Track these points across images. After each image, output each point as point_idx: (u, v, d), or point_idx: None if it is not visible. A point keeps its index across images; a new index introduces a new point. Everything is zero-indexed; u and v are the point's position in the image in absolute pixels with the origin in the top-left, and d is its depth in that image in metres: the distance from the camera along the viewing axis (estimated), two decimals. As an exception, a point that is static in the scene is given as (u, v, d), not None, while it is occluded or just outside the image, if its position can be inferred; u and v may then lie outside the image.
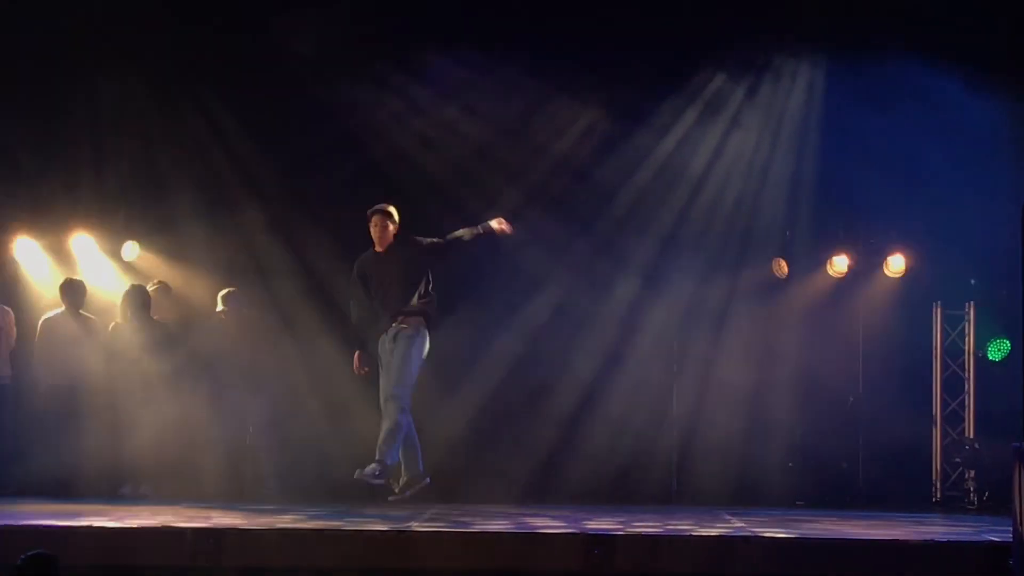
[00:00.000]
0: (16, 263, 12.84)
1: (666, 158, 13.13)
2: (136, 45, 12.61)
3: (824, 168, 12.86)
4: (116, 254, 13.00)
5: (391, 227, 10.28)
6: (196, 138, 12.95)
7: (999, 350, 13.11)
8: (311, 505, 10.66)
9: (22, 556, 6.53)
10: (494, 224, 10.38)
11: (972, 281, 13.00)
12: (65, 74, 12.65)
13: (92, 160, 12.80)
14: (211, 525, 8.61)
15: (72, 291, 12.28)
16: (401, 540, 8.24)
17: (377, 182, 12.48)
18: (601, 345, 12.89)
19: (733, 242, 13.05)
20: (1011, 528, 7.72)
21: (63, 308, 12.25)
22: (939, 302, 13.32)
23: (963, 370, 13.30)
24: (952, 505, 12.67)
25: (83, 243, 12.94)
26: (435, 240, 10.34)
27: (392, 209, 10.34)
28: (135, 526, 8.56)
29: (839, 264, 13.19)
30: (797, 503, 12.50)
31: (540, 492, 12.17)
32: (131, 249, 12.99)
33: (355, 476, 9.88)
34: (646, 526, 9.27)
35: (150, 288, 12.44)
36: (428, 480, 10.19)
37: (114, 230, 13.00)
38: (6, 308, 12.38)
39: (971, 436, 13.06)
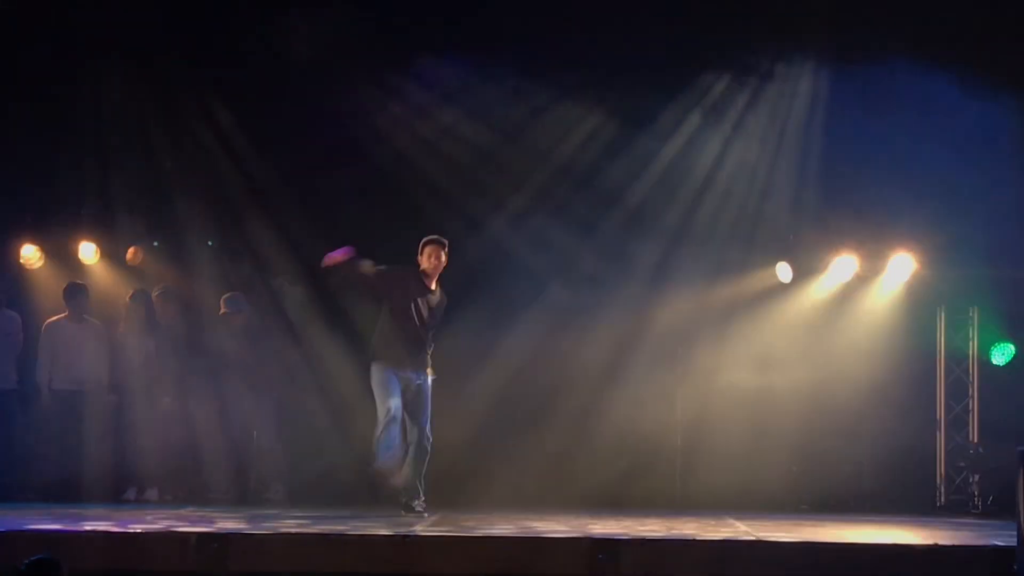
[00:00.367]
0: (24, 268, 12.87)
1: (670, 162, 13.14)
2: (141, 51, 12.62)
3: (828, 172, 12.86)
4: (121, 259, 13.01)
5: (444, 262, 10.16)
6: (200, 143, 12.97)
7: (1003, 354, 13.11)
8: (315, 509, 10.65)
9: (26, 561, 6.52)
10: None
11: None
12: (70, 81, 12.65)
13: (97, 166, 12.80)
14: (215, 530, 8.59)
15: (74, 295, 12.28)
16: (406, 545, 8.22)
17: (381, 186, 12.50)
18: (605, 349, 12.89)
19: (737, 246, 13.05)
20: (1016, 532, 7.70)
21: (66, 312, 12.26)
22: (943, 306, 13.32)
23: (967, 374, 13.29)
24: (957, 509, 12.66)
25: (88, 249, 12.95)
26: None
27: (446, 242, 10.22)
28: (139, 531, 8.55)
29: (843, 268, 13.18)
30: (802, 507, 12.50)
31: (545, 497, 12.16)
32: (135, 254, 13.00)
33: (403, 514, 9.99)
34: (651, 531, 9.26)
35: (154, 293, 12.45)
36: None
37: (119, 236, 13.01)
38: (13, 314, 12.38)
39: (975, 440, 13.06)
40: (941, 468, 13.17)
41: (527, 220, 12.94)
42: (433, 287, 10.19)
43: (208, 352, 12.33)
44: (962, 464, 12.97)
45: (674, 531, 9.29)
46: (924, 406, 13.16)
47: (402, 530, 8.68)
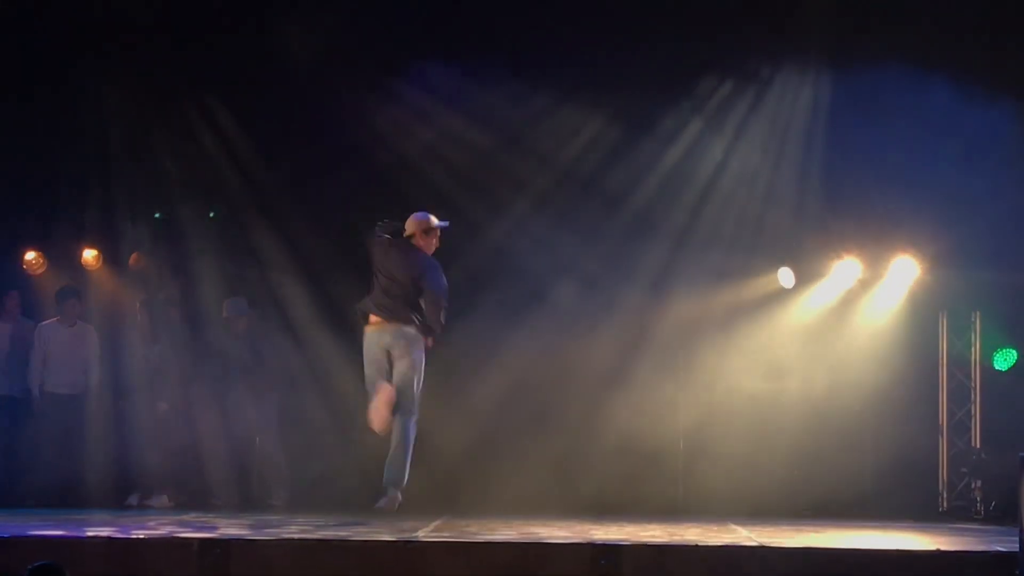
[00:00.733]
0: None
1: (672, 168, 13.14)
2: (142, 57, 12.64)
3: (830, 178, 12.86)
4: (123, 265, 13.03)
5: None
6: (203, 149, 12.99)
7: (1005, 360, 13.10)
8: (318, 515, 10.66)
9: (29, 567, 6.53)
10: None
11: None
12: (72, 87, 12.68)
13: (99, 173, 12.83)
14: (218, 535, 8.60)
15: (66, 298, 12.29)
16: (408, 551, 8.23)
17: (383, 190, 12.51)
18: (607, 355, 12.89)
19: (739, 252, 13.05)
20: (1018, 538, 7.70)
21: (58, 317, 12.27)
22: (945, 311, 13.31)
23: (969, 380, 13.28)
24: (959, 515, 12.64)
25: (91, 254, 12.97)
26: None
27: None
28: (142, 537, 8.55)
29: (845, 273, 13.18)
30: (804, 513, 12.48)
31: (547, 502, 12.16)
32: (137, 260, 13.00)
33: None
34: (653, 536, 9.26)
35: (157, 298, 12.48)
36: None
37: (121, 241, 13.03)
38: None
39: (977, 446, 13.05)
40: (943, 473, 13.16)
41: (529, 225, 12.95)
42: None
43: (210, 356, 12.34)
44: (964, 470, 12.96)
45: (676, 537, 9.29)
46: (926, 411, 13.14)
47: (404, 536, 8.69)
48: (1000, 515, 11.88)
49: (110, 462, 12.00)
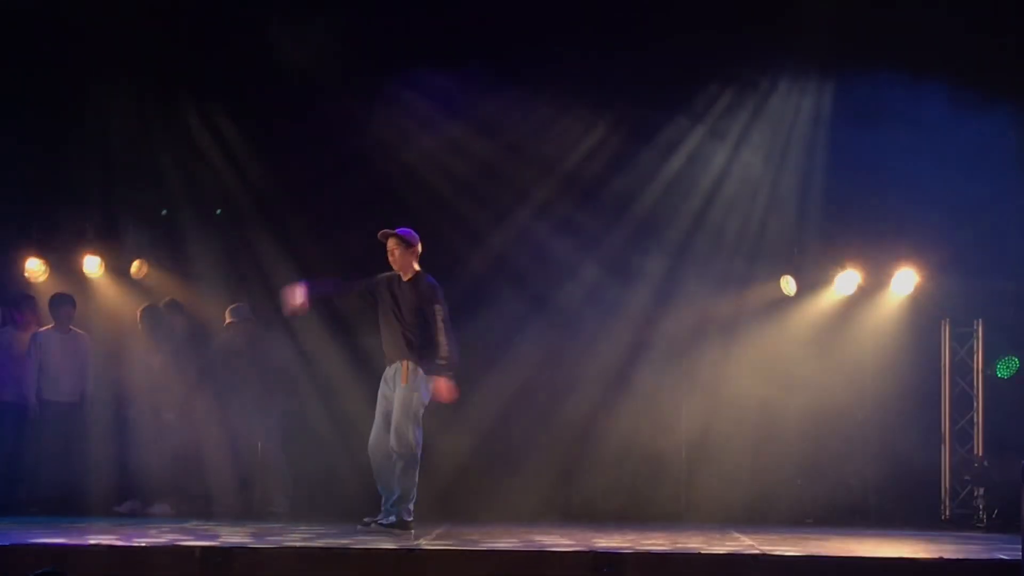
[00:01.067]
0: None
1: (674, 175, 13.15)
2: (145, 64, 12.66)
3: (832, 186, 12.88)
4: (125, 273, 13.03)
5: (396, 254, 9.85)
6: (205, 156, 13.00)
7: (1008, 367, 13.09)
8: (320, 523, 10.66)
9: (31, 574, 6.53)
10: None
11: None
12: (74, 93, 12.69)
13: (101, 180, 12.84)
14: (220, 543, 8.60)
15: (59, 306, 12.29)
16: (410, 559, 8.22)
17: (386, 199, 12.51)
18: (610, 362, 12.89)
19: (741, 259, 13.06)
20: (1020, 546, 7.69)
21: (51, 324, 12.27)
22: (947, 319, 13.31)
23: (972, 388, 13.27)
24: (961, 523, 12.63)
25: (93, 262, 12.97)
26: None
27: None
28: (143, 544, 8.56)
29: (847, 281, 13.18)
30: (806, 521, 12.48)
31: (549, 510, 12.15)
32: (140, 267, 13.01)
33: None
34: (655, 544, 9.26)
35: (160, 304, 12.48)
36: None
37: (123, 249, 13.03)
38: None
39: (980, 454, 13.03)
40: (946, 481, 13.14)
41: (531, 232, 12.96)
42: (404, 279, 9.87)
43: (212, 363, 12.33)
44: (967, 478, 12.94)
45: (678, 545, 9.29)
46: (928, 419, 13.13)
47: (406, 544, 8.69)
48: (1003, 523, 11.86)
49: (113, 469, 11.99)
